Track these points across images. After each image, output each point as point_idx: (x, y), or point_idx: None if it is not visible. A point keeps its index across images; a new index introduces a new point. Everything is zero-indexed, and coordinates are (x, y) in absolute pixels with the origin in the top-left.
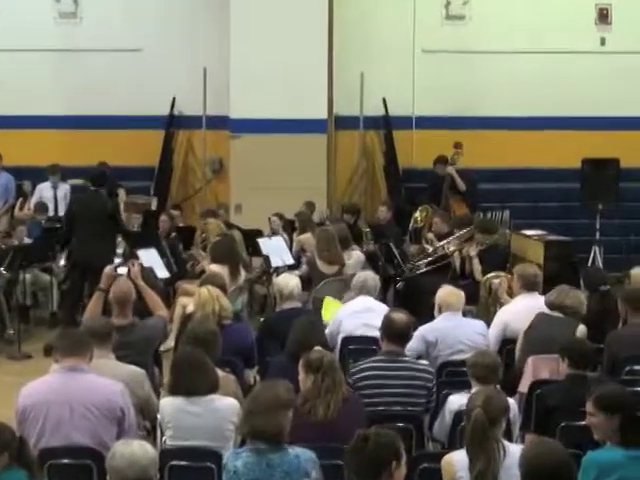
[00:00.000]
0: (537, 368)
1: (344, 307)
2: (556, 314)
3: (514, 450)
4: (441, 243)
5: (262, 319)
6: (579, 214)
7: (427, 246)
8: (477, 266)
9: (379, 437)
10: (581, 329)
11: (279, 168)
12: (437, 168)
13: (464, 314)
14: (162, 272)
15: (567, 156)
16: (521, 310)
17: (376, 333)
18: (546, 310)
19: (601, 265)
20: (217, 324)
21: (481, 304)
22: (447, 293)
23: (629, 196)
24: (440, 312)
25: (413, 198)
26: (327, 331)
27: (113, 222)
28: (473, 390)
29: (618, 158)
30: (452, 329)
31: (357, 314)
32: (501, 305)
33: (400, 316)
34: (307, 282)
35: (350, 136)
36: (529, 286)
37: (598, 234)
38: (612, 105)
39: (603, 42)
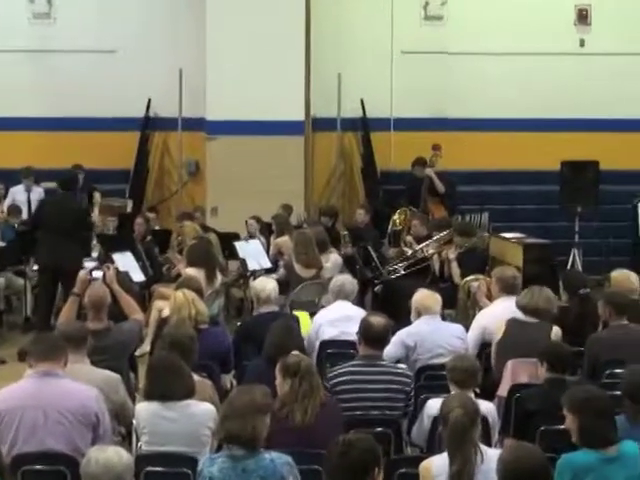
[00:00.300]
0: (516, 372)
1: (322, 312)
2: (528, 319)
3: (492, 455)
4: (420, 246)
5: (239, 323)
6: (558, 217)
7: (405, 249)
8: (456, 269)
9: (362, 443)
10: (555, 331)
11: (256, 170)
12: (415, 170)
13: (443, 318)
14: (138, 276)
15: (546, 158)
16: (500, 313)
17: (354, 337)
18: (519, 314)
19: (580, 268)
20: (193, 328)
21: (460, 307)
22: (425, 296)
23: (608, 199)
24: (418, 316)
25: (391, 201)
26: (307, 337)
27: (83, 225)
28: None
29: (597, 160)
30: (431, 333)
31: (335, 322)
32: (480, 308)
33: (378, 320)
34: (284, 286)
35: (327, 138)
36: (508, 289)
37: (577, 237)
38: (591, 107)
39: (582, 43)
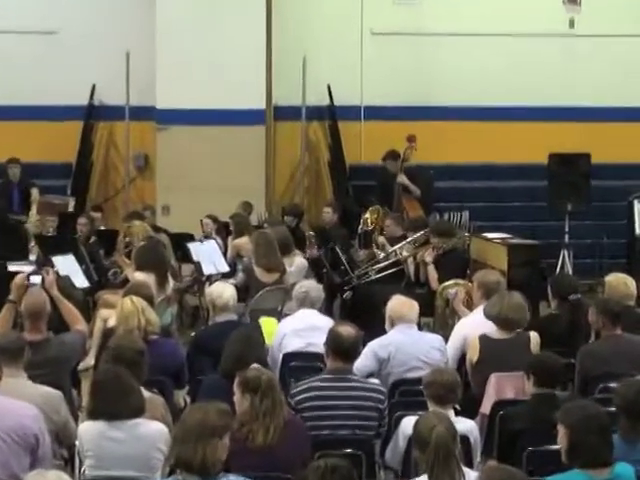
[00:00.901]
0: (500, 387)
1: (286, 321)
2: (501, 335)
3: (474, 478)
4: (393, 248)
5: (193, 334)
6: (546, 215)
7: (378, 251)
8: (433, 273)
9: (344, 469)
10: (534, 339)
11: (212, 164)
12: (388, 164)
13: (419, 327)
14: (80, 281)
15: (533, 150)
16: (482, 323)
17: (321, 349)
18: (487, 329)
19: (571, 271)
20: (143, 339)
21: (438, 316)
22: (400, 304)
23: (601, 195)
24: (392, 325)
25: (362, 198)
26: (270, 349)
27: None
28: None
29: (589, 153)
30: (406, 344)
31: (300, 333)
32: (459, 317)
33: (347, 330)
34: (244, 292)
35: (291, 128)
36: (491, 295)
37: (567, 237)
38: (582, 94)
39: (572, 24)
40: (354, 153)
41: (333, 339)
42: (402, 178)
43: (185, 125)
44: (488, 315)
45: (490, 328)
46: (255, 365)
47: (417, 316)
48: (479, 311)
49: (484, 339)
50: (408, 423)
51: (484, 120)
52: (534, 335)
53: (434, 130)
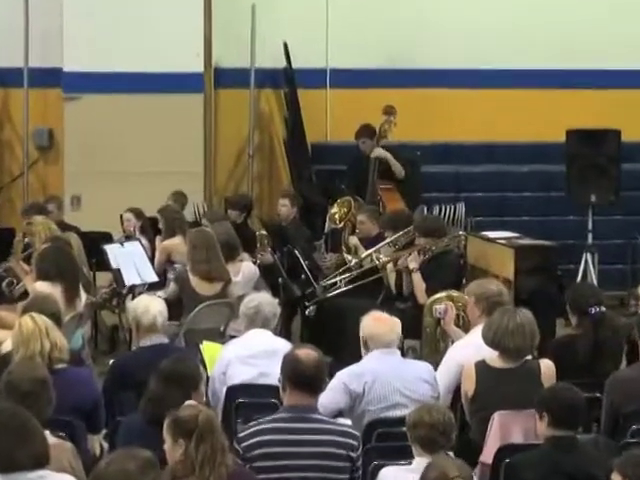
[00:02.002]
0: (506, 428)
1: (232, 345)
2: (503, 364)
3: None
4: (368, 251)
5: (112, 361)
6: (564, 208)
7: (348, 256)
8: (419, 283)
9: None
10: (546, 368)
11: (135, 143)
12: (361, 144)
13: (402, 352)
14: None
15: (547, 126)
16: (481, 346)
17: (276, 381)
18: (487, 356)
19: (595, 280)
20: (47, 368)
21: (427, 337)
22: (377, 322)
23: (633, 183)
24: (367, 349)
25: (328, 187)
26: (210, 381)
27: None
28: (416, 460)
29: (619, 129)
30: (385, 374)
31: (249, 360)
32: (452, 340)
33: (309, 354)
34: (176, 307)
35: (237, 97)
36: (493, 311)
37: (591, 237)
38: (610, 54)
39: None
40: (318, 129)
41: (290, 367)
42: (379, 151)
43: (100, 93)
44: (484, 338)
45: (492, 353)
46: (190, 402)
47: (399, 338)
48: (477, 332)
49: (482, 367)
50: (387, 475)
51: (483, 87)
52: (546, 363)
53: (419, 100)
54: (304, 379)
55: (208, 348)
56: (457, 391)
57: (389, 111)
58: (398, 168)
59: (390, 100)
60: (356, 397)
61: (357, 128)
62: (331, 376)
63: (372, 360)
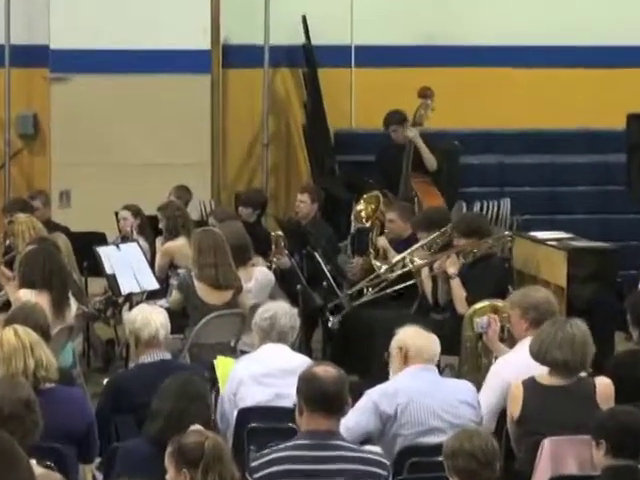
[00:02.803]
0: (558, 457)
1: (244, 362)
2: (556, 381)
3: None
4: (400, 255)
5: (107, 380)
6: (624, 205)
7: (377, 262)
8: (458, 291)
9: None
10: (604, 388)
11: (132, 131)
12: (393, 132)
13: (440, 370)
14: None
15: (604, 110)
16: (529, 363)
17: (294, 403)
18: (537, 372)
19: None
20: (32, 389)
21: (467, 353)
22: (411, 336)
23: None
24: (400, 367)
25: (354, 181)
26: (218, 402)
27: None
28: None
29: None
30: (421, 394)
31: (264, 379)
32: (496, 356)
33: (327, 371)
34: (180, 318)
35: (249, 78)
36: (541, 323)
37: None
38: None
39: None
40: (341, 115)
41: (307, 386)
42: (414, 135)
43: (91, 74)
44: (531, 352)
45: (542, 370)
46: (196, 427)
47: (437, 354)
48: (525, 346)
49: (530, 386)
50: None
51: (531, 66)
52: (604, 382)
53: (458, 81)
54: (323, 400)
55: (222, 363)
56: (502, 415)
57: (425, 94)
58: (430, 159)
59: (425, 81)
60: (387, 420)
61: (387, 114)
62: (356, 398)
63: (406, 378)
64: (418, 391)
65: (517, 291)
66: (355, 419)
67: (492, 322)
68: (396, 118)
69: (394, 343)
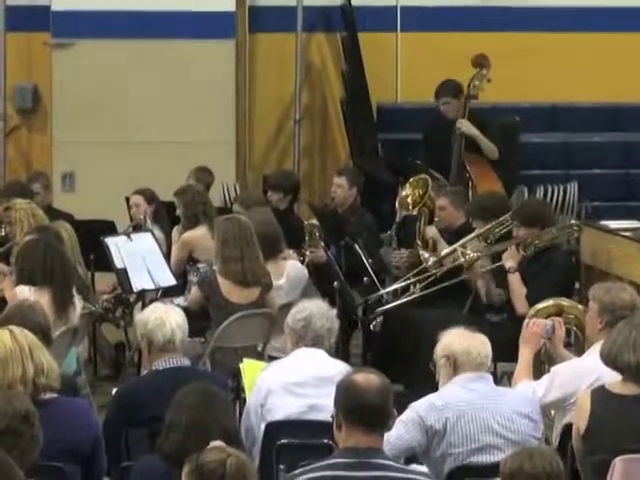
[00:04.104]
0: (631, 479)
1: (273, 369)
2: (630, 390)
3: None
4: (452, 247)
5: (116, 390)
6: None
7: (425, 253)
8: (518, 288)
9: None
10: None
11: (144, 105)
12: (444, 105)
13: (495, 378)
14: None
15: None
16: (601, 369)
17: (329, 416)
18: (607, 379)
19: None
20: (31, 399)
21: None
22: (462, 340)
23: None
24: (449, 375)
25: (398, 161)
26: (243, 414)
27: None
28: None
29: None
30: (474, 406)
31: (296, 388)
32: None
33: (369, 379)
34: (200, 319)
35: (279, 44)
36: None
37: None
38: None
39: None
40: (385, 86)
41: (346, 397)
42: (465, 126)
43: (98, 39)
44: (601, 355)
45: (615, 377)
46: (217, 443)
47: (488, 357)
48: (596, 350)
49: (599, 395)
50: None
51: (603, 31)
52: None
53: (518, 48)
54: (364, 413)
55: (250, 368)
56: (567, 430)
57: (481, 62)
58: (489, 147)
59: (480, 48)
60: (434, 436)
61: (438, 85)
62: (402, 408)
63: (456, 388)
64: (470, 403)
65: (602, 285)
66: (397, 433)
67: (557, 326)
68: (450, 89)
69: (439, 351)
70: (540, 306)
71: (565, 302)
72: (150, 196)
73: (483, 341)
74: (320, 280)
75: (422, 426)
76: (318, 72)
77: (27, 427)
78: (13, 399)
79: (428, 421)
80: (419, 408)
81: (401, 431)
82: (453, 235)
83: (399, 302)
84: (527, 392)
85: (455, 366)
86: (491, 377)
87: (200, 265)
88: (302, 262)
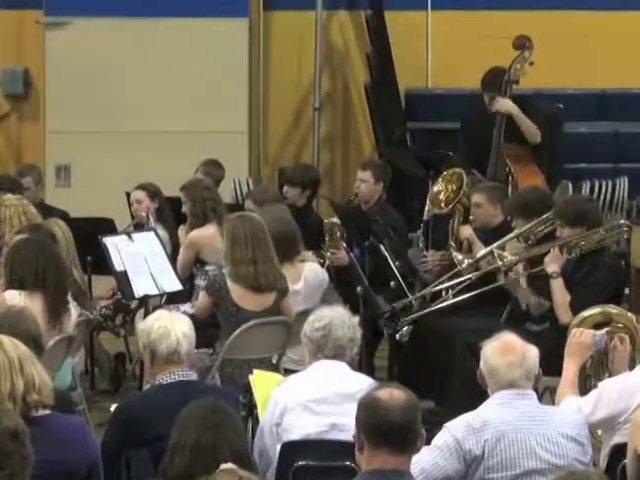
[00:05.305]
0: None
1: (290, 383)
2: None
3: None
4: (488, 248)
5: (115, 406)
6: None
7: (458, 255)
8: (561, 295)
9: None
10: None
11: (148, 91)
12: (489, 94)
13: (538, 394)
14: None
15: None
16: None
17: (351, 436)
18: None
19: None
20: (22, 416)
21: None
22: (501, 352)
23: None
24: (489, 392)
25: (430, 154)
26: (257, 434)
27: None
28: None
29: None
30: (515, 427)
31: (315, 405)
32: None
33: (393, 395)
34: (209, 328)
35: (297, 23)
36: None
37: None
38: None
39: None
40: (415, 71)
41: (369, 415)
42: (505, 104)
43: (97, 17)
44: None
45: None
46: (227, 465)
47: (535, 375)
48: None
49: None
50: None
51: None
52: None
53: (563, 29)
54: (389, 432)
55: (261, 380)
56: (618, 450)
57: (523, 44)
58: (532, 129)
59: (521, 29)
60: (472, 461)
61: (471, 69)
62: (431, 429)
63: (495, 407)
64: (510, 424)
65: None
66: (432, 460)
67: (624, 340)
68: (495, 76)
69: (482, 364)
70: (586, 314)
71: (614, 310)
72: (153, 191)
73: (531, 355)
74: (341, 285)
75: (459, 452)
76: (340, 54)
77: (16, 446)
78: (2, 416)
79: (466, 445)
80: (455, 431)
81: (437, 458)
82: (490, 235)
83: (430, 309)
84: (573, 411)
85: (494, 381)
86: (535, 394)
87: (208, 268)
88: (322, 265)
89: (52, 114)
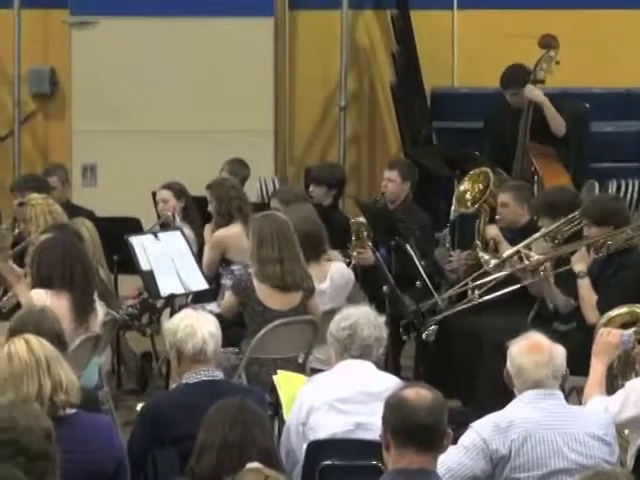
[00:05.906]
0: None
1: (316, 382)
2: None
3: None
4: (515, 248)
5: (142, 405)
6: None
7: (485, 255)
8: (588, 295)
9: None
10: None
11: (174, 91)
12: (512, 95)
13: (565, 394)
14: None
15: None
16: None
17: (378, 436)
18: None
19: None
20: (49, 416)
21: None
22: (528, 352)
23: None
24: (515, 391)
25: (455, 153)
26: (283, 433)
27: None
28: None
29: None
30: (542, 427)
31: (341, 405)
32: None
33: (420, 394)
34: (235, 327)
35: (323, 23)
36: None
37: None
38: None
39: None
40: (441, 70)
41: (395, 414)
42: (536, 94)
43: (124, 16)
44: None
45: None
46: (255, 464)
47: (562, 375)
48: None
49: None
50: None
51: None
52: None
53: (589, 28)
54: (415, 431)
55: (286, 380)
56: None
57: (548, 43)
58: (558, 119)
59: (547, 27)
60: (499, 461)
61: (505, 70)
62: (458, 429)
63: (521, 407)
64: (537, 423)
65: None
66: (459, 460)
67: None
68: (519, 78)
69: (508, 364)
70: (613, 314)
71: None
72: (179, 191)
73: (557, 355)
74: (368, 284)
75: (486, 451)
76: (366, 54)
77: (45, 446)
78: (30, 417)
79: (492, 445)
80: (482, 430)
81: (463, 458)
82: (516, 235)
83: (456, 309)
84: (600, 411)
85: (521, 380)
86: (562, 394)
87: (234, 267)
88: (348, 264)
89: (78, 113)
